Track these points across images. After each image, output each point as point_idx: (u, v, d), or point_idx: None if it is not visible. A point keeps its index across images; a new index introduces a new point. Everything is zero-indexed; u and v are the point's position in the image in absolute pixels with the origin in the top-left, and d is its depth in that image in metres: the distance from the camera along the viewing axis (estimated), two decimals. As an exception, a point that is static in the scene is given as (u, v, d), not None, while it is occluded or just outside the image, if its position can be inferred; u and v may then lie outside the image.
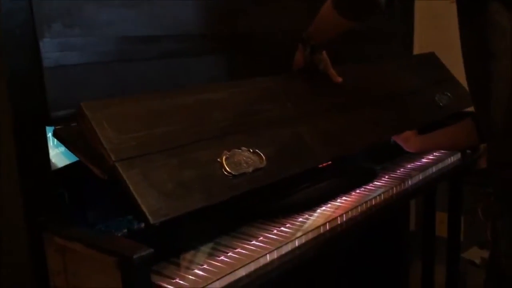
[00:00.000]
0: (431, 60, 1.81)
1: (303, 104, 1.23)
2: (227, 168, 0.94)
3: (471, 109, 1.19)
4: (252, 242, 1.00)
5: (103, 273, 0.78)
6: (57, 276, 0.87)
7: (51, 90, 0.90)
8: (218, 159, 0.95)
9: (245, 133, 1.03)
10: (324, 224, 1.08)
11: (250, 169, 0.97)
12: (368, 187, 1.31)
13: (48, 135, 0.92)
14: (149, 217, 0.79)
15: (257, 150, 1.01)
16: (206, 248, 0.98)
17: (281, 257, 0.97)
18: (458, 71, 1.24)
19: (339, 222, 1.12)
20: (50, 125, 0.90)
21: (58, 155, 0.94)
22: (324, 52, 1.28)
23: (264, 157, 1.00)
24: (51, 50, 0.90)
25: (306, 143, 1.14)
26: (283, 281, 0.96)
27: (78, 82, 0.96)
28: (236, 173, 0.94)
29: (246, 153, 0.99)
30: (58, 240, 0.85)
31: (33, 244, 0.86)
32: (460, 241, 1.86)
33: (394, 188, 1.30)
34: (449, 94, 1.58)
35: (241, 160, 0.97)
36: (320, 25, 1.21)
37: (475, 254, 2.03)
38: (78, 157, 0.89)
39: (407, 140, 1.42)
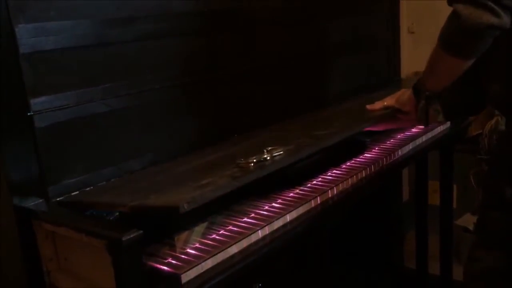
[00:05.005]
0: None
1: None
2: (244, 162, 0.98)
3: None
4: (243, 219, 1.00)
5: (93, 257, 0.78)
6: (49, 262, 0.87)
7: (28, 77, 0.88)
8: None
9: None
10: (315, 198, 1.09)
11: (268, 156, 1.00)
12: (359, 159, 1.32)
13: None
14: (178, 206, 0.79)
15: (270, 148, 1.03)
16: (198, 228, 0.98)
17: (273, 232, 0.97)
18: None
19: (330, 196, 1.12)
20: (30, 112, 0.89)
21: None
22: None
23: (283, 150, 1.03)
24: (26, 36, 0.88)
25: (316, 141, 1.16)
26: (276, 256, 0.96)
27: (56, 67, 0.94)
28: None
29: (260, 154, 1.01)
30: (46, 226, 0.86)
31: (22, 232, 0.86)
32: (453, 209, 1.87)
33: (384, 159, 1.31)
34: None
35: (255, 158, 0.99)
36: (432, 72, 1.08)
37: (468, 221, 2.05)
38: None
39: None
